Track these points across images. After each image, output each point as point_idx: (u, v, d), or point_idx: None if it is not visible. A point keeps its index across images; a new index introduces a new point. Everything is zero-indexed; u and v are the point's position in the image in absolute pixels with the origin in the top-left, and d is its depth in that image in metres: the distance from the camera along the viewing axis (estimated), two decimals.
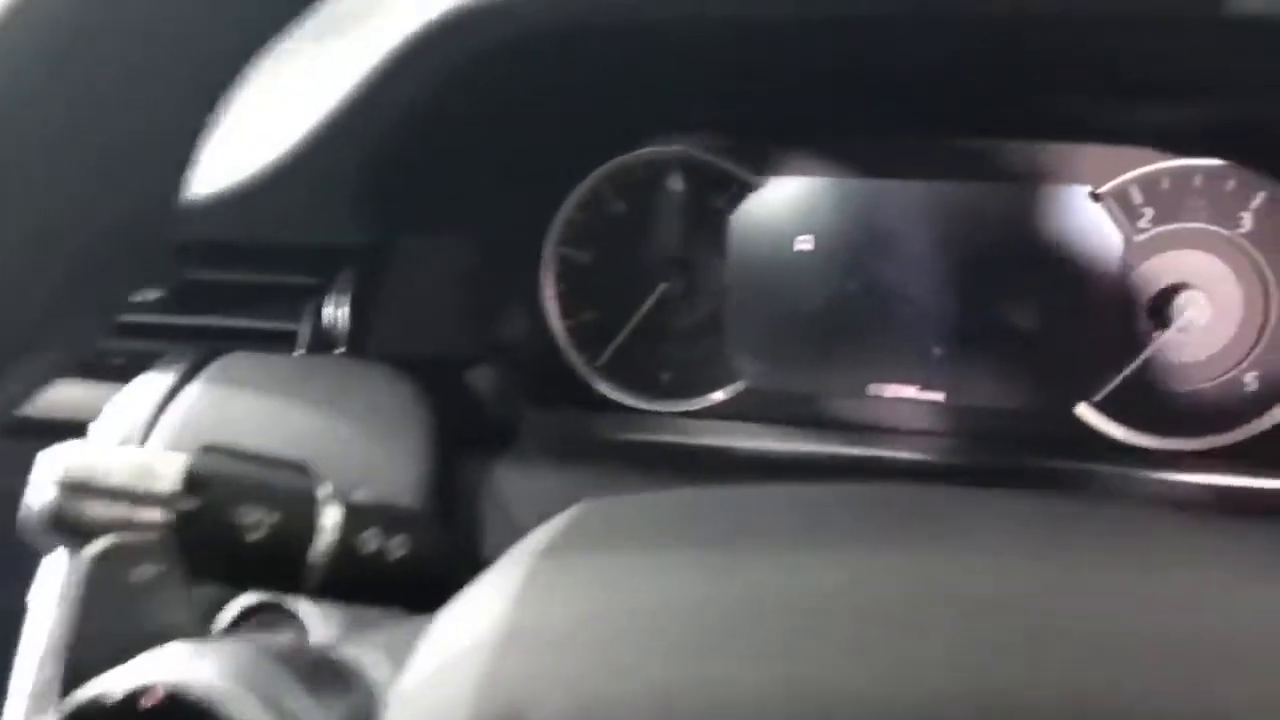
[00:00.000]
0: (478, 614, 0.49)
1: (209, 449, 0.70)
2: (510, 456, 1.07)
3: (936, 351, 1.26)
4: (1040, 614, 0.44)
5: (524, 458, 1.07)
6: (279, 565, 0.70)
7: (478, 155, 1.15)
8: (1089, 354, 1.22)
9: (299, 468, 0.73)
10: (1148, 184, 1.18)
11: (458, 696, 0.42)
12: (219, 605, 0.85)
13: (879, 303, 1.27)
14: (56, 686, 0.57)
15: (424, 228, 1.18)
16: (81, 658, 0.59)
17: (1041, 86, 1.10)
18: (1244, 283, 1.17)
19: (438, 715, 0.43)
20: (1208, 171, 1.16)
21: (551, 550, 0.54)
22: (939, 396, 1.27)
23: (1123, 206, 1.19)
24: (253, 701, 0.48)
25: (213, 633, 0.84)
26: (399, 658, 0.52)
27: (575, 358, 1.35)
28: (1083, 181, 1.20)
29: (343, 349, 1.15)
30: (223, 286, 1.20)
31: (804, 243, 1.28)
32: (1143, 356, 1.18)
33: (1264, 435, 1.18)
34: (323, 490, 0.72)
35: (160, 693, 0.48)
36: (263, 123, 1.01)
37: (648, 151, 1.29)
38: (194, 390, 1.02)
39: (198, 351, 1.07)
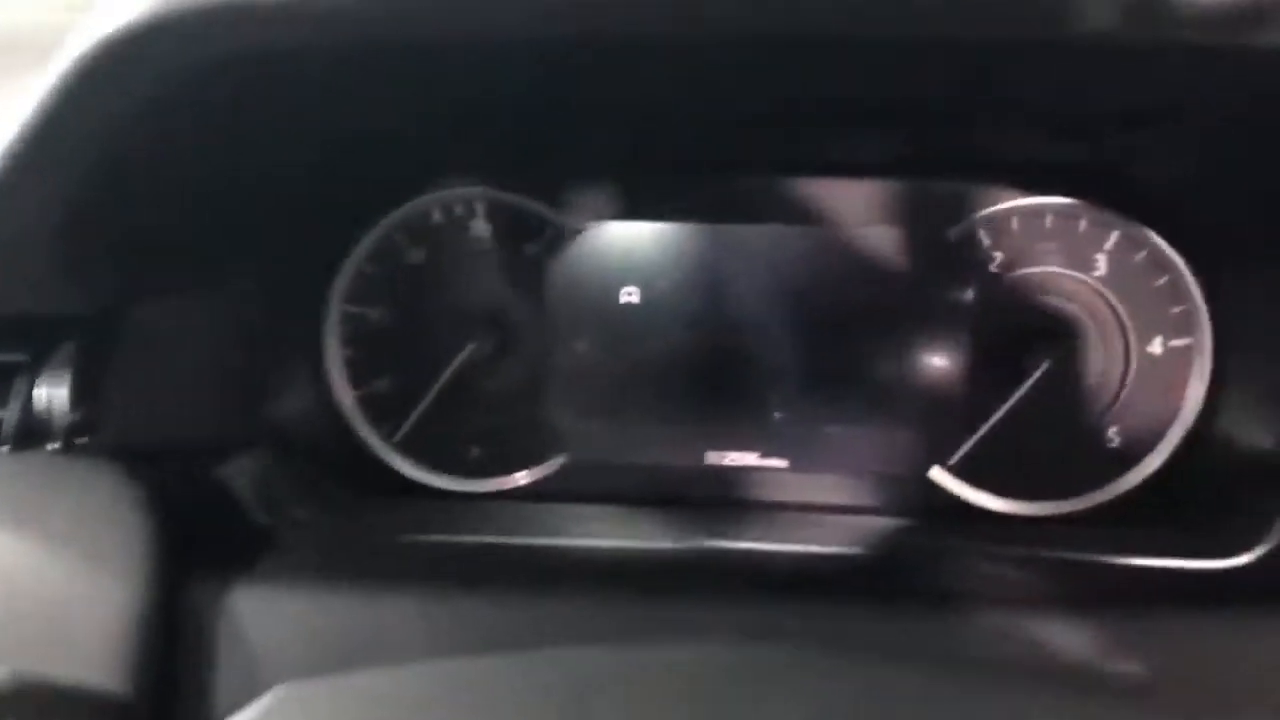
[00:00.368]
0: None
1: None
2: (263, 573, 0.87)
3: (778, 415, 1.12)
4: None
5: (280, 574, 0.87)
6: None
7: (227, 201, 0.95)
8: (941, 413, 1.10)
9: None
10: (996, 225, 1.08)
11: None
12: None
13: (713, 361, 1.13)
14: None
15: (165, 289, 0.97)
16: None
17: (879, 119, 0.98)
18: (1101, 331, 1.08)
19: None
20: (1058, 210, 1.07)
21: None
22: (781, 463, 1.13)
23: (971, 250, 1.08)
24: None
25: None
26: None
27: (368, 433, 1.16)
28: (927, 223, 1.09)
29: (58, 442, 0.93)
30: None
31: (629, 295, 1.13)
32: (998, 414, 1.07)
33: (1129, 495, 1.09)
34: None
35: None
36: None
37: (447, 194, 1.12)
38: None
39: None
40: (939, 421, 1.10)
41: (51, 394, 0.94)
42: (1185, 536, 0.94)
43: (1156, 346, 1.07)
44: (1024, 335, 1.07)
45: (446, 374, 1.11)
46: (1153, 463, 1.08)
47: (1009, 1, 0.65)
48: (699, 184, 1.11)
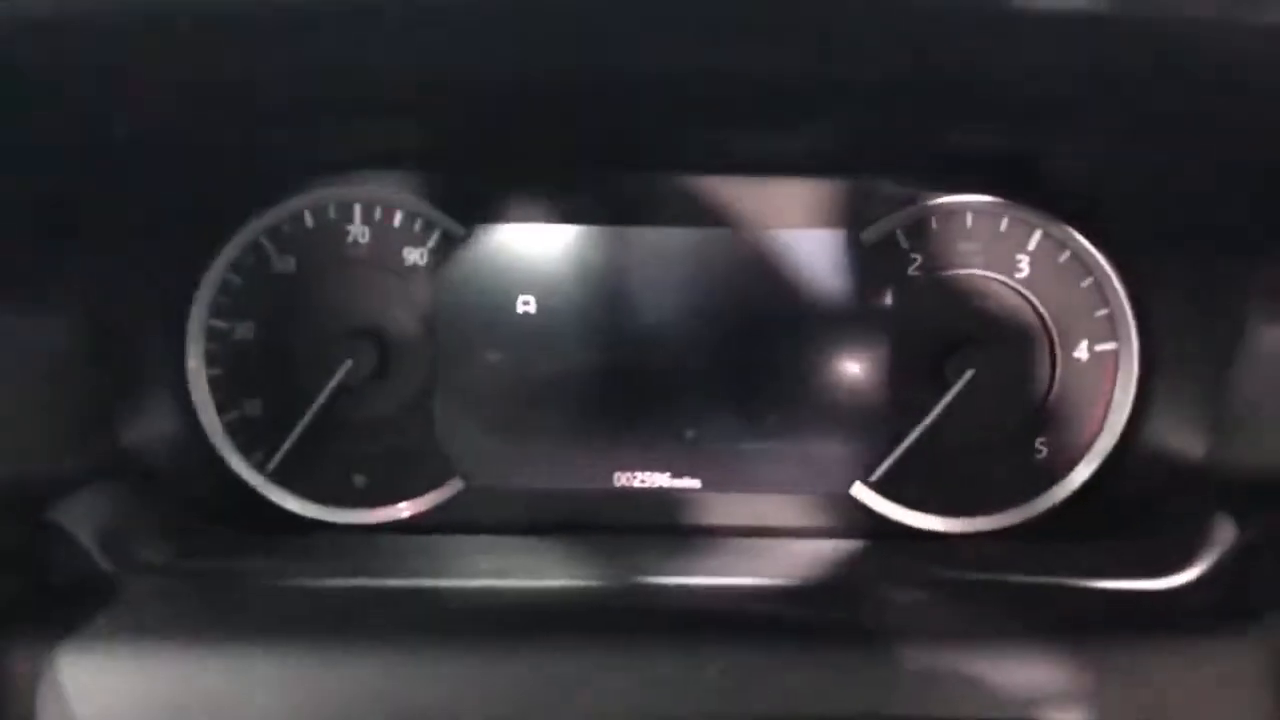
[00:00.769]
0: None
1: None
2: (100, 632, 0.75)
3: (689, 433, 1.04)
4: None
5: (120, 633, 0.75)
6: None
7: (63, 199, 0.83)
8: (861, 427, 1.03)
9: None
10: (914, 226, 1.01)
11: None
12: None
13: (619, 375, 1.04)
14: None
15: None
16: None
17: (788, 113, 0.91)
18: (1025, 337, 1.02)
19: None
20: (979, 209, 1.01)
21: None
22: (694, 484, 1.05)
23: (888, 252, 1.02)
24: None
25: None
26: None
27: (237, 462, 1.04)
28: (841, 225, 1.02)
29: None
30: None
31: (525, 304, 1.03)
32: (921, 427, 1.01)
33: (1059, 509, 1.03)
34: None
35: None
36: None
37: (319, 195, 1.01)
38: None
39: None
40: (859, 436, 1.03)
41: None
42: (1118, 553, 0.89)
43: (1082, 352, 1.02)
44: (946, 342, 1.01)
45: (323, 394, 1.00)
46: (1081, 474, 1.03)
47: None
48: (599, 183, 1.02)
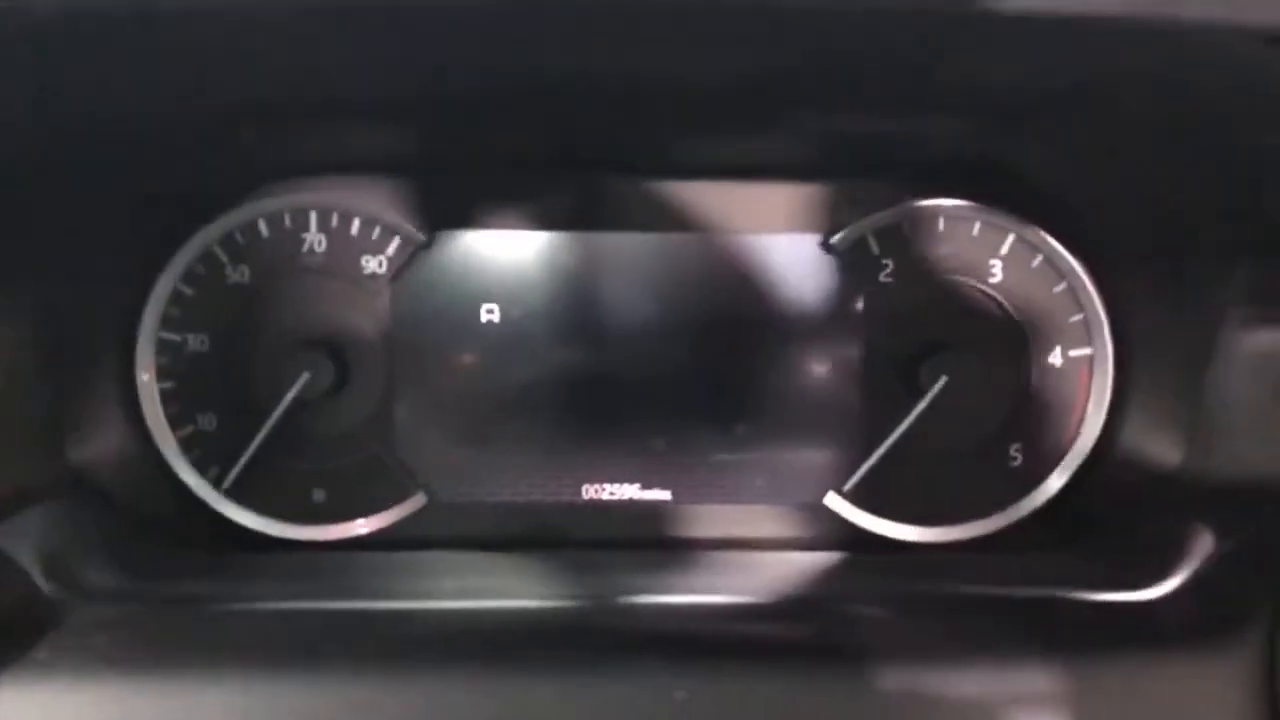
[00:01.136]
0: None
1: None
2: (39, 664, 0.71)
3: (659, 442, 1.02)
4: None
5: (61, 663, 0.71)
6: None
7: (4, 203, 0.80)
8: (833, 436, 1.01)
9: None
10: (886, 230, 0.99)
11: None
12: None
13: (586, 385, 1.01)
14: None
15: None
16: None
17: (757, 114, 0.89)
18: (999, 342, 1.00)
19: None
20: (951, 213, 0.99)
21: None
22: (665, 495, 1.03)
23: (859, 257, 1.00)
24: None
25: None
26: None
27: (192, 478, 1.00)
28: (812, 230, 1.00)
29: None
30: None
31: (489, 313, 1.00)
32: (895, 435, 0.99)
33: (1033, 517, 1.01)
34: None
35: None
36: None
37: (274, 202, 0.98)
38: None
39: None
40: (831, 444, 1.01)
41: None
42: (1095, 565, 0.87)
43: (1056, 357, 1.00)
44: (919, 349, 0.99)
45: (280, 408, 0.97)
46: (1056, 481, 1.01)
47: None
48: (564, 187, 1.00)
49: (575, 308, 1.01)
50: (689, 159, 0.98)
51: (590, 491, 1.03)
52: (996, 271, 0.99)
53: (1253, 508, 0.84)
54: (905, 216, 0.99)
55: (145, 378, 0.99)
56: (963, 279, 0.99)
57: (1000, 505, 1.02)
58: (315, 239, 0.99)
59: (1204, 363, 0.88)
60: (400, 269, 0.99)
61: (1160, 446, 0.94)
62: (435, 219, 0.99)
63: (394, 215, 0.99)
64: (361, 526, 1.02)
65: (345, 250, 0.99)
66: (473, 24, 0.68)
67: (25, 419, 0.90)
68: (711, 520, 1.03)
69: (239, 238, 0.98)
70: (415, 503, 1.02)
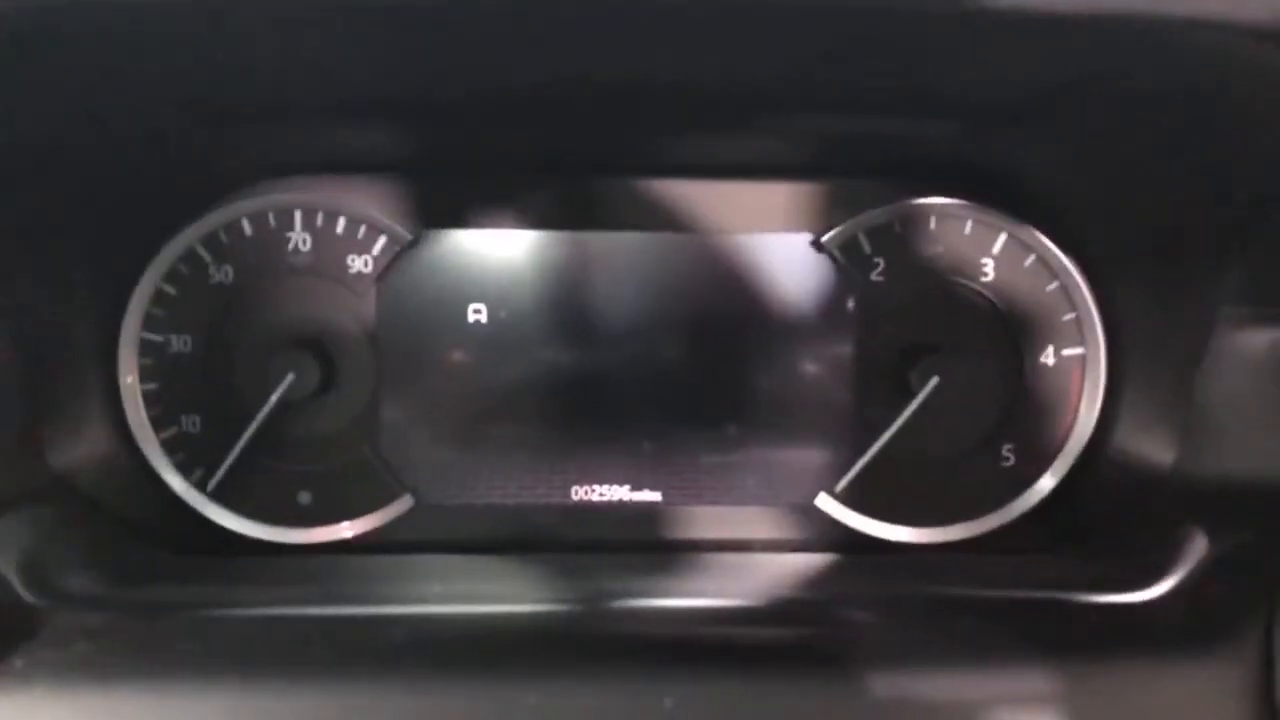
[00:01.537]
0: None
1: None
2: (17, 674, 0.70)
3: (648, 444, 1.01)
4: None
5: (39, 673, 0.70)
6: None
7: None
8: (825, 436, 1.01)
9: None
10: (877, 229, 0.99)
11: None
12: None
13: (575, 386, 1.00)
14: None
15: None
16: None
17: (747, 113, 0.88)
18: (991, 342, 0.99)
19: None
20: (943, 212, 0.98)
21: None
22: (655, 497, 1.02)
23: (850, 256, 0.99)
24: None
25: None
26: None
27: (176, 480, 0.99)
28: (802, 228, 0.99)
29: None
30: None
31: (477, 313, 0.99)
32: (886, 435, 0.98)
33: (1026, 518, 1.01)
34: None
35: None
36: None
37: (258, 200, 0.97)
38: None
39: None
40: (823, 445, 1.01)
41: None
42: (1089, 567, 0.86)
43: (1049, 357, 0.99)
44: (910, 348, 0.99)
45: (265, 409, 0.96)
46: (1049, 482, 1.00)
47: None
48: (552, 186, 0.99)
49: (564, 308, 1.00)
50: (679, 158, 0.97)
51: (579, 493, 1.02)
52: (988, 271, 0.98)
53: (1246, 508, 0.83)
54: (897, 215, 0.98)
55: (128, 379, 0.98)
56: (955, 278, 0.99)
57: (992, 506, 1.01)
58: (300, 238, 0.97)
59: (1197, 362, 0.87)
60: (386, 268, 0.98)
61: (1153, 446, 0.94)
62: (422, 218, 0.98)
63: (380, 214, 0.97)
64: (347, 529, 1.01)
65: (330, 249, 0.98)
66: (461, 24, 0.67)
67: (4, 422, 0.89)
68: (702, 522, 1.02)
69: (223, 237, 0.97)
70: (402, 505, 1.01)
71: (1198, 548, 0.81)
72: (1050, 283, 0.99)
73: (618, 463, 1.01)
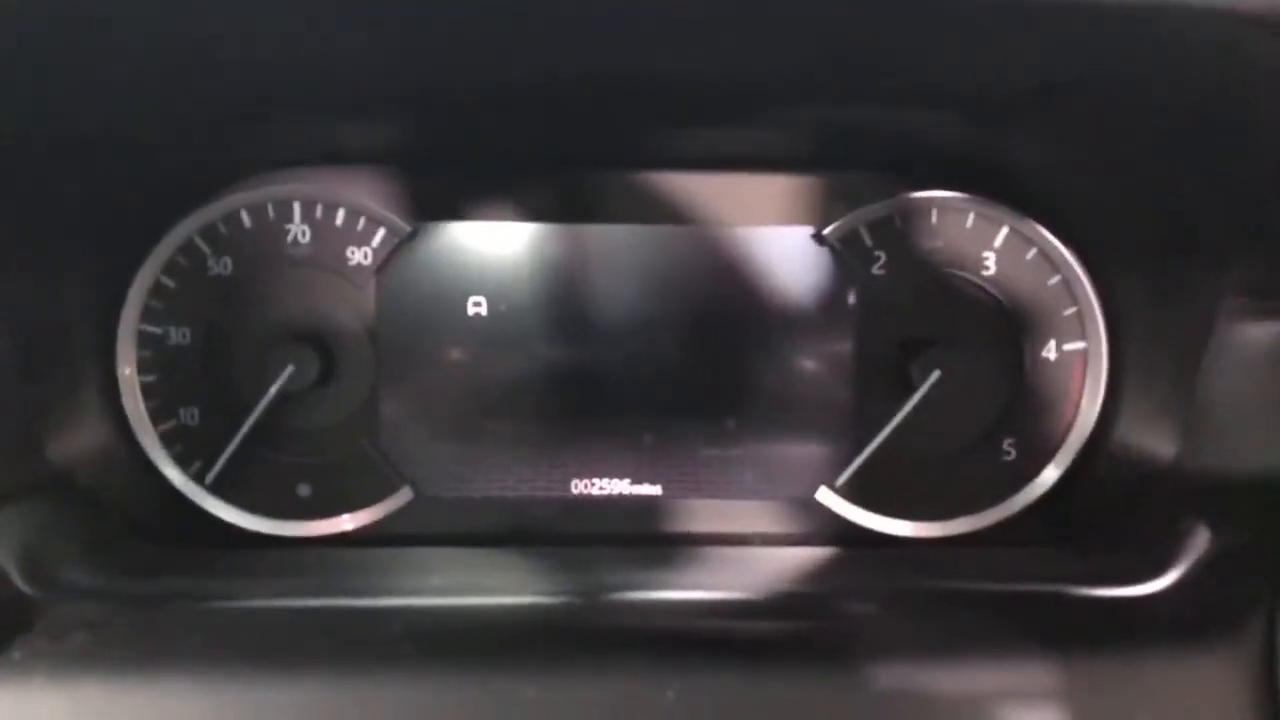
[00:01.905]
0: None
1: None
2: (15, 666, 0.70)
3: (648, 438, 1.00)
4: None
5: (38, 664, 0.70)
6: None
7: None
8: (825, 430, 1.00)
9: None
10: (878, 222, 0.98)
11: None
12: None
13: (575, 379, 1.00)
14: None
15: None
16: None
17: (748, 105, 0.87)
18: (992, 336, 0.99)
19: None
20: (944, 205, 0.98)
21: None
22: (655, 491, 1.01)
23: (851, 249, 0.99)
24: None
25: None
26: None
27: (174, 473, 0.99)
28: (803, 221, 0.98)
29: None
30: None
31: (476, 306, 0.99)
32: (887, 429, 0.98)
33: (1027, 512, 1.00)
34: None
35: None
36: None
37: (257, 192, 0.97)
38: None
39: None
40: (823, 439, 1.00)
41: None
42: (1091, 560, 0.86)
43: (1050, 351, 0.99)
44: (911, 342, 0.98)
45: (263, 401, 0.96)
46: (1050, 476, 1.00)
47: None
48: (552, 179, 0.98)
49: (564, 301, 0.99)
50: (679, 150, 0.97)
51: (579, 486, 1.02)
52: (990, 264, 0.98)
53: (1248, 501, 0.83)
54: (898, 209, 0.98)
55: (126, 371, 0.97)
56: (956, 272, 0.98)
57: (994, 500, 1.01)
58: (299, 230, 0.97)
59: (1199, 356, 0.87)
60: (386, 261, 0.98)
61: (1155, 440, 0.93)
62: (422, 210, 0.98)
63: (379, 206, 0.97)
64: (347, 522, 1.00)
65: (330, 241, 0.97)
66: (461, 17, 0.66)
67: (2, 414, 0.88)
68: (702, 515, 1.01)
69: (222, 229, 0.97)
70: (401, 498, 1.00)
71: (1199, 541, 0.81)
72: (1052, 276, 0.98)
73: (617, 456, 1.01)
